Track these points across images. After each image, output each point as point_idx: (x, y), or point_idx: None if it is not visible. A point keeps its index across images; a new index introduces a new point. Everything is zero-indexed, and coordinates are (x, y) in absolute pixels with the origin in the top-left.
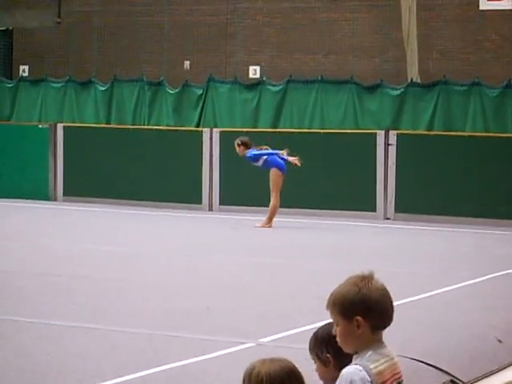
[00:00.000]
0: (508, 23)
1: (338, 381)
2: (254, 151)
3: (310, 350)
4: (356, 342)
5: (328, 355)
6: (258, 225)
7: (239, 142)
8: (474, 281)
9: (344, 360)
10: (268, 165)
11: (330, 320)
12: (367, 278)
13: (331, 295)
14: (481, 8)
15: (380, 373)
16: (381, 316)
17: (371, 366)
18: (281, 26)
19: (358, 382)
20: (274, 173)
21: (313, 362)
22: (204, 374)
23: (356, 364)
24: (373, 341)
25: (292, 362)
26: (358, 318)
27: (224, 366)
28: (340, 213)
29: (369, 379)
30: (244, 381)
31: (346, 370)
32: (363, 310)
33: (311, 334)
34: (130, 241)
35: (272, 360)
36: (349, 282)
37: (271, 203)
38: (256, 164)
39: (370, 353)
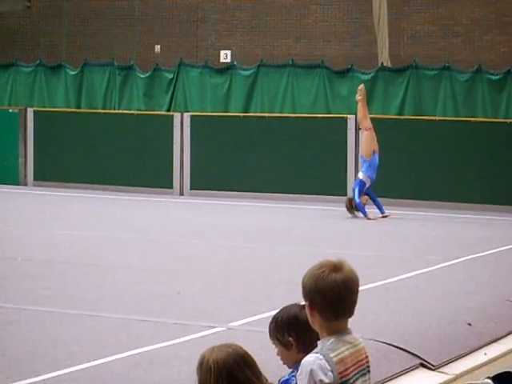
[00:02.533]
0: (478, 8)
1: (299, 370)
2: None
3: (270, 334)
4: (316, 326)
5: (290, 338)
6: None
7: None
8: (444, 264)
9: (306, 341)
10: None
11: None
12: (330, 268)
13: None
14: None
15: (341, 361)
16: (329, 308)
17: (332, 355)
18: (252, 9)
19: (317, 372)
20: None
21: (274, 346)
22: (174, 358)
23: (316, 353)
24: (333, 328)
25: (242, 348)
26: (307, 303)
27: (194, 350)
28: (311, 197)
29: (329, 368)
30: (197, 370)
31: (306, 359)
32: (311, 298)
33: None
34: (101, 225)
35: (220, 347)
36: (315, 266)
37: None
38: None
39: (331, 340)
